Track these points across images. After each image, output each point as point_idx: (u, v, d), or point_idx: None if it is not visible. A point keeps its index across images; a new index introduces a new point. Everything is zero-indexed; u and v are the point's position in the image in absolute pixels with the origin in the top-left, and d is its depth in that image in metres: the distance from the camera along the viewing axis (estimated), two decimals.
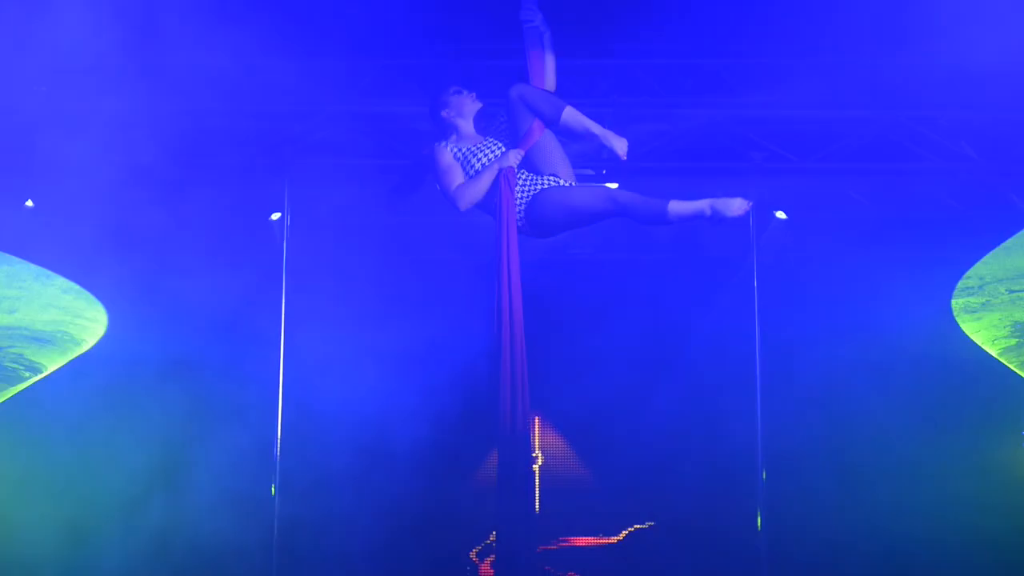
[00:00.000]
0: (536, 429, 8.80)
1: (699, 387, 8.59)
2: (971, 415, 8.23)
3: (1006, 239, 8.11)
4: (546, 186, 4.87)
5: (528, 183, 4.90)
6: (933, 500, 8.08)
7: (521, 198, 4.88)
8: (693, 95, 7.12)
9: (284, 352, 7.56)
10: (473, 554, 8.48)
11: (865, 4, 6.47)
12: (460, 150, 5.00)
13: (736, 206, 4.71)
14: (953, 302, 8.36)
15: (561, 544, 8.56)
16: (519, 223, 4.89)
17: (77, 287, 8.23)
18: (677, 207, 4.74)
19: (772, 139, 7.31)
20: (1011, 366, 8.37)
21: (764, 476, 7.95)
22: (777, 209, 8.08)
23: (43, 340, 8.38)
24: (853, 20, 6.59)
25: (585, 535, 8.61)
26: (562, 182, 4.93)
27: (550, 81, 4.96)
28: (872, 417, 8.30)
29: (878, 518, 8.22)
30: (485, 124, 5.12)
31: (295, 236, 7.74)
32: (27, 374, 8.41)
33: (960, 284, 8.30)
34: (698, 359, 8.61)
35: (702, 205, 4.73)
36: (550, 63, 4.96)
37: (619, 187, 5.00)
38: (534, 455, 8.76)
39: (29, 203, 7.76)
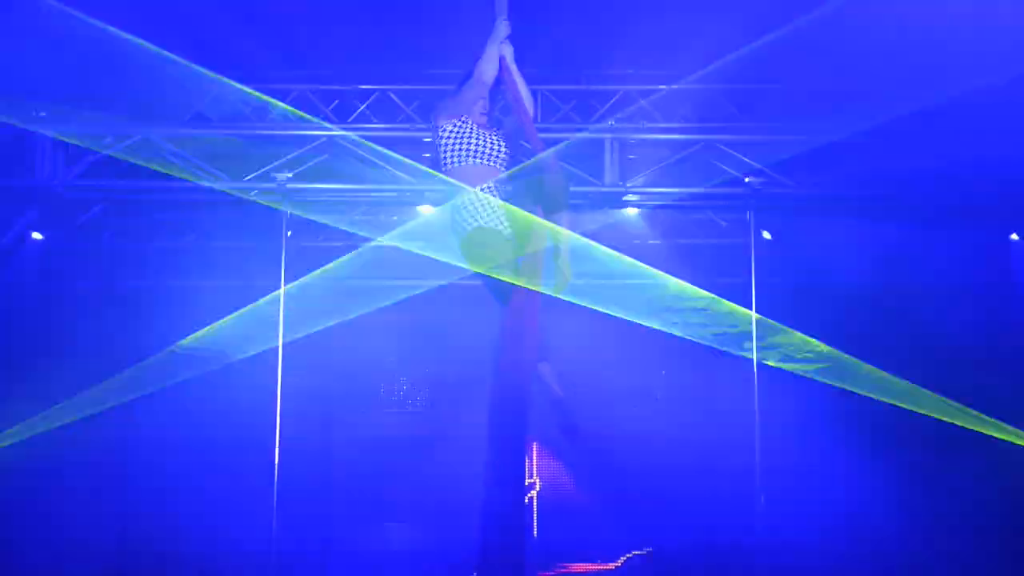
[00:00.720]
0: (534, 455, 8.80)
1: (697, 412, 8.59)
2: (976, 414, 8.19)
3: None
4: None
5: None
6: (935, 504, 8.06)
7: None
8: (691, 120, 7.21)
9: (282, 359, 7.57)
10: None
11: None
12: (463, 122, 5.04)
13: (549, 378, 4.93)
14: None
15: (559, 571, 8.53)
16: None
17: None
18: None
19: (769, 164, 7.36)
20: None
21: (762, 501, 7.92)
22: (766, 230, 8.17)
23: None
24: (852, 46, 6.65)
25: (583, 561, 8.58)
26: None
27: (528, 107, 5.05)
28: (872, 434, 8.27)
29: (879, 536, 8.19)
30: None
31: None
32: None
33: None
34: (696, 383, 8.61)
35: (542, 368, 4.91)
36: (525, 91, 5.05)
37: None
38: (531, 481, 8.75)
39: (36, 235, 7.88)
